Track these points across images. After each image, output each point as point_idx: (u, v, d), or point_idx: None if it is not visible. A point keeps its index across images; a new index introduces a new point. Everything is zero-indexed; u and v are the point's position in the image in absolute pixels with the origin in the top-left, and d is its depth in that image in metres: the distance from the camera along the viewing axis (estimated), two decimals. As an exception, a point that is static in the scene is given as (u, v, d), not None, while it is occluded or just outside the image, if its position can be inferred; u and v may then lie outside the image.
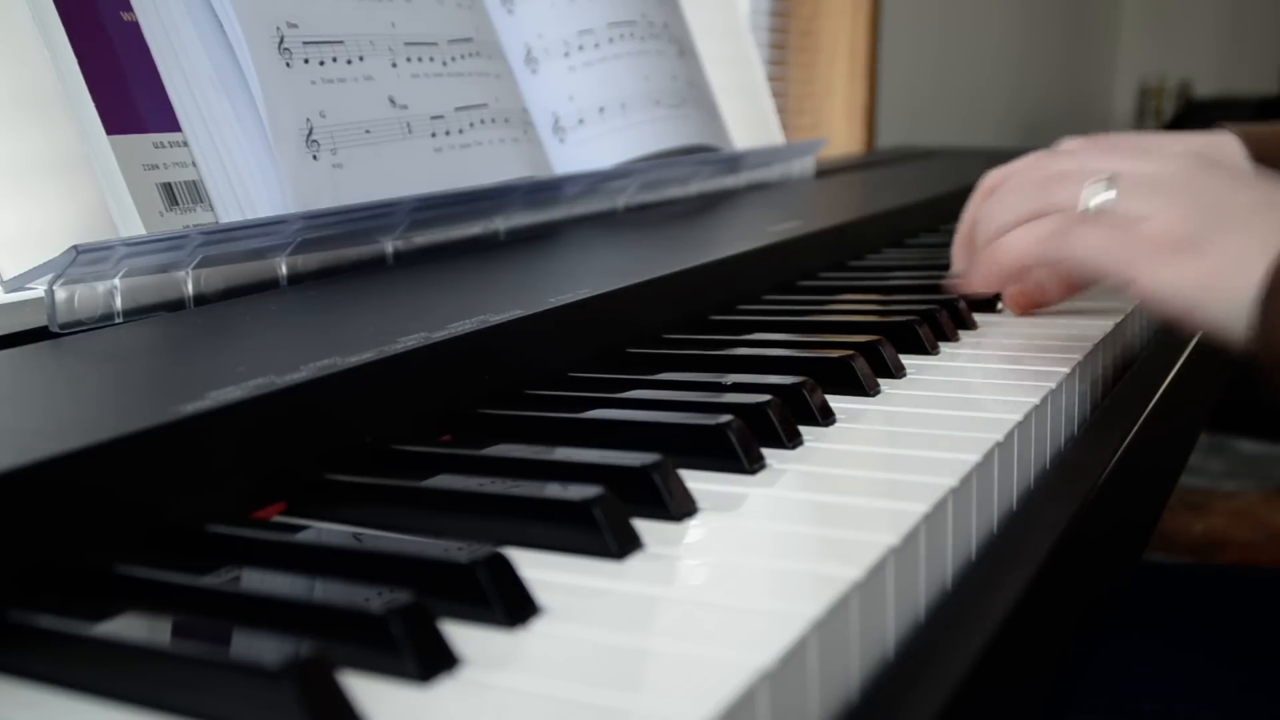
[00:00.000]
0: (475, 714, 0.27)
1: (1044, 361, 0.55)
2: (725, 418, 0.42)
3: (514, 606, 0.31)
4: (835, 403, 0.49)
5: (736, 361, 0.54)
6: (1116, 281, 0.48)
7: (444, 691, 0.27)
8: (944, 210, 1.05)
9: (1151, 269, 0.47)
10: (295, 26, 0.65)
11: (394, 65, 0.71)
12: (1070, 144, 0.57)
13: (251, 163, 0.62)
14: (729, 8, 1.18)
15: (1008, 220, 0.53)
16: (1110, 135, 0.66)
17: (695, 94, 0.99)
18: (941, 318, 0.62)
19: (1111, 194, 0.49)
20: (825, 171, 1.26)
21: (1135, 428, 0.53)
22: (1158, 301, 0.47)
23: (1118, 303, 0.67)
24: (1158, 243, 0.47)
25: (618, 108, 0.90)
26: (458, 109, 0.75)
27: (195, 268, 0.57)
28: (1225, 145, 0.64)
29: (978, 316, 0.66)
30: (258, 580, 0.32)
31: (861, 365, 0.52)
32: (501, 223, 0.77)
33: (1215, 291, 0.45)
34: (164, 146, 0.60)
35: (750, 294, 0.70)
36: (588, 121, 0.89)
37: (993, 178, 0.67)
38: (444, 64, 0.75)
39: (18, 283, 0.53)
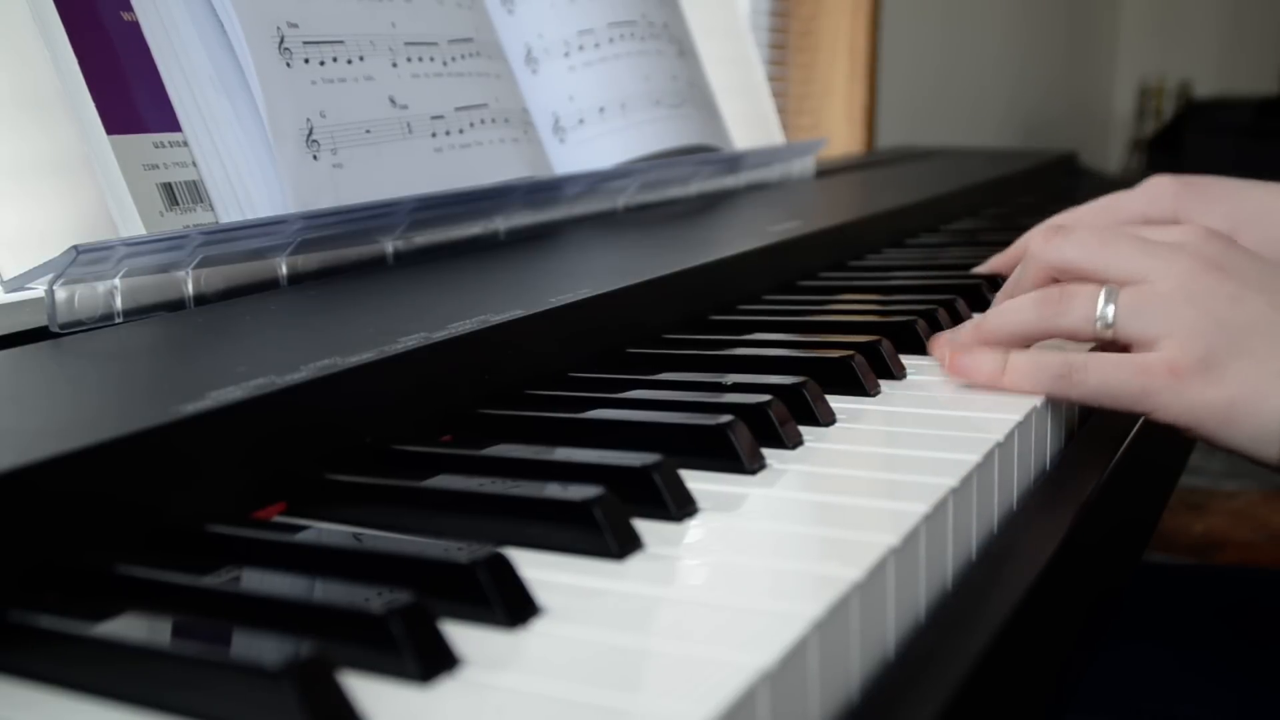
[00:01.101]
0: (475, 714, 0.27)
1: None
2: (726, 418, 0.42)
3: (514, 606, 0.31)
4: (835, 403, 0.49)
5: (736, 361, 0.54)
6: (1136, 411, 0.47)
7: (444, 691, 0.27)
8: (944, 210, 1.05)
9: (1169, 401, 0.46)
10: (295, 26, 0.65)
11: (394, 65, 0.71)
12: (1064, 229, 0.54)
13: (251, 163, 0.62)
14: (729, 8, 1.18)
15: (1012, 333, 0.52)
16: (1114, 206, 0.65)
17: (695, 94, 0.99)
18: (941, 318, 0.62)
19: (1111, 309, 0.48)
20: (825, 171, 1.26)
21: (1135, 428, 0.53)
22: (1180, 428, 0.47)
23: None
24: (1171, 372, 0.46)
25: (618, 108, 0.90)
26: (458, 109, 0.75)
27: (195, 268, 0.57)
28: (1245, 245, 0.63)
29: (977, 316, 0.66)
30: (258, 580, 0.32)
31: (861, 365, 0.52)
32: (501, 223, 0.77)
33: (1237, 418, 0.45)
34: (164, 146, 0.60)
35: (750, 294, 0.70)
36: (588, 121, 0.89)
37: (1067, 219, 0.67)
38: (444, 64, 0.75)
39: (18, 283, 0.53)
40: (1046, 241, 0.52)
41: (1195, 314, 0.46)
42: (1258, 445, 0.45)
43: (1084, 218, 0.66)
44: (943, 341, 0.54)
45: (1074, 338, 0.51)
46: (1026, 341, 0.52)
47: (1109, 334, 0.48)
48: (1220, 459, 2.33)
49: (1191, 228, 0.51)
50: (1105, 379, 0.47)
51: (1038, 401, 0.49)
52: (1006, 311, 0.52)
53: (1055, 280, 0.52)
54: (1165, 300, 0.47)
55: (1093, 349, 0.52)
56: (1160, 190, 0.64)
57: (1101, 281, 0.49)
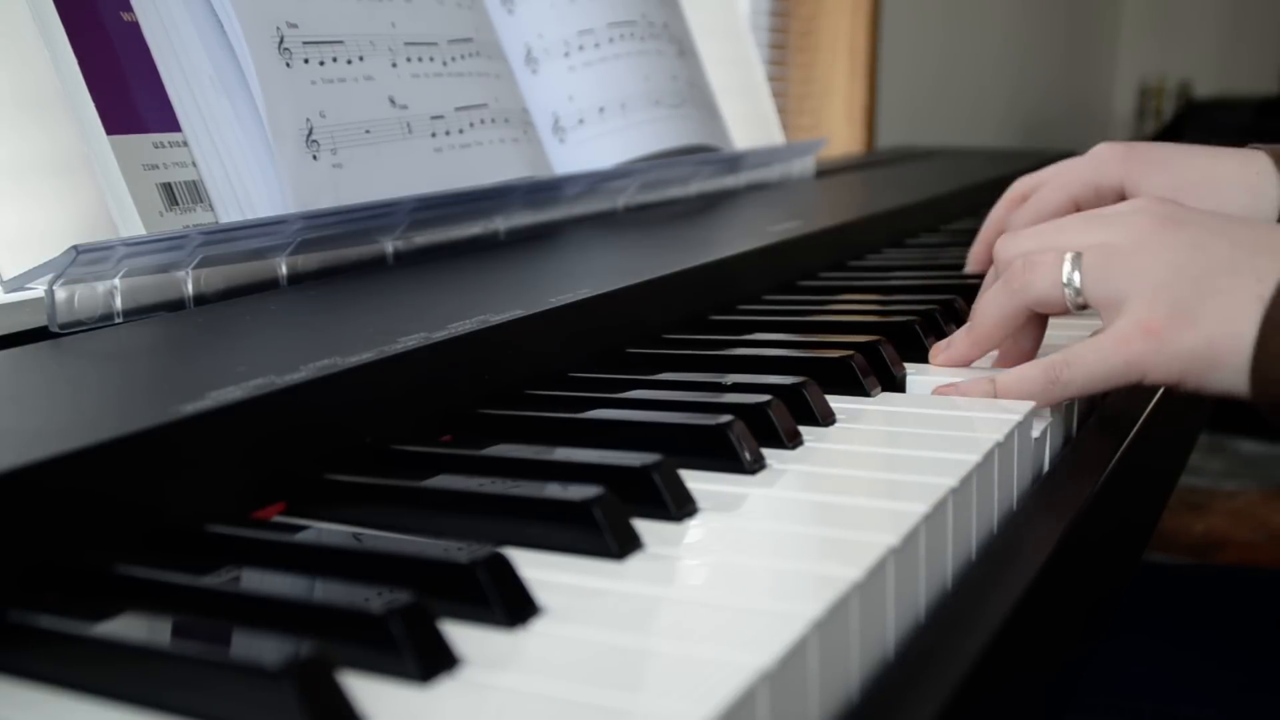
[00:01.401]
0: (475, 714, 0.27)
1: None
2: (726, 418, 0.42)
3: (514, 606, 0.31)
4: (835, 403, 0.49)
5: (736, 361, 0.54)
6: (1130, 383, 0.48)
7: (444, 692, 0.27)
8: (944, 210, 1.05)
9: (1153, 361, 0.46)
10: (295, 26, 0.65)
11: (394, 65, 0.71)
12: (1022, 209, 0.56)
13: (251, 163, 0.62)
14: (729, 8, 1.18)
15: (997, 322, 0.52)
16: (1065, 170, 0.66)
17: (695, 94, 0.99)
18: (941, 318, 0.62)
19: (1077, 275, 0.49)
20: (825, 171, 1.26)
21: (1135, 428, 0.53)
22: (1171, 383, 0.47)
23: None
24: (1147, 332, 0.46)
25: (618, 108, 0.90)
26: (458, 109, 0.75)
27: (195, 268, 0.57)
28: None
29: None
30: (258, 580, 0.32)
31: (861, 365, 0.52)
32: (501, 223, 0.77)
33: (1220, 356, 0.45)
34: (164, 146, 0.60)
35: (750, 294, 0.70)
36: (588, 121, 0.89)
37: (1022, 186, 0.69)
38: (444, 64, 0.75)
39: (18, 283, 0.53)
40: (1004, 246, 0.54)
41: (1158, 266, 0.47)
42: (1234, 383, 0.45)
43: (1038, 202, 0.66)
44: (941, 360, 0.55)
45: (1048, 308, 0.51)
46: (1013, 324, 0.53)
47: (1080, 300, 0.49)
48: (1220, 459, 2.33)
49: (1141, 199, 0.52)
50: (1089, 367, 0.47)
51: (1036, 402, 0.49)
52: (985, 305, 0.53)
53: None
54: (1126, 257, 0.48)
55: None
56: (1107, 156, 0.65)
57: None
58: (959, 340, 0.55)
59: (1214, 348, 0.45)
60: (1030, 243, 0.52)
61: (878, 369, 0.53)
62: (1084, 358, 0.48)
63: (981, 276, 0.71)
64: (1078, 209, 0.65)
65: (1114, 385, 0.48)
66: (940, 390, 0.51)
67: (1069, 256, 0.49)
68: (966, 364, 0.55)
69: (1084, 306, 0.49)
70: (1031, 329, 0.55)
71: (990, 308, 0.53)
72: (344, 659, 0.28)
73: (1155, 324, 0.46)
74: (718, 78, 1.06)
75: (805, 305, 0.68)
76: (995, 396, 0.49)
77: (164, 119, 0.60)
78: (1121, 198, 0.64)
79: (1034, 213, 0.66)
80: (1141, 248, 0.48)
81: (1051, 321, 0.56)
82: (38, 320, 0.52)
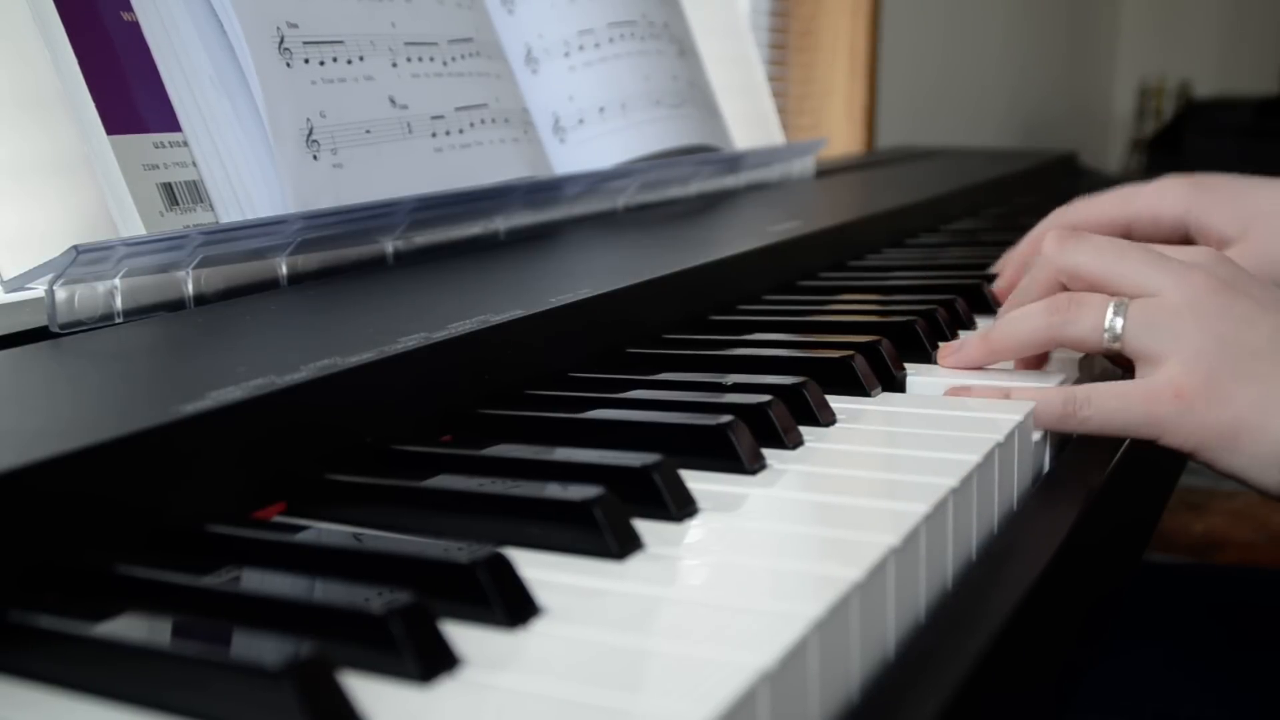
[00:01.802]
0: (475, 714, 0.27)
1: (1045, 361, 0.55)
2: (726, 418, 0.42)
3: (514, 607, 0.31)
4: (835, 403, 0.49)
5: (736, 361, 0.54)
6: (1144, 438, 0.47)
7: (444, 692, 0.27)
8: (944, 210, 1.05)
9: (1175, 425, 0.46)
10: (295, 26, 0.65)
11: (394, 65, 0.71)
12: (1077, 236, 0.53)
13: (252, 163, 0.62)
14: (729, 7, 1.18)
15: (1021, 343, 0.51)
16: (1127, 197, 0.64)
17: (696, 94, 0.99)
18: (941, 318, 0.62)
19: (1120, 322, 0.48)
20: (825, 171, 1.26)
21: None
22: (1184, 451, 0.47)
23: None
24: (1177, 396, 0.45)
25: (618, 108, 0.90)
26: (458, 109, 0.75)
27: (195, 268, 0.57)
28: (1255, 244, 0.61)
29: (977, 317, 0.66)
30: (258, 580, 0.32)
31: (861, 365, 0.52)
32: (501, 223, 0.77)
33: (1241, 442, 0.45)
34: (164, 146, 0.60)
35: (750, 294, 0.70)
36: (588, 121, 0.88)
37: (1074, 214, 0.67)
38: (444, 64, 0.75)
39: (18, 283, 0.53)
40: (1060, 245, 0.52)
41: (1203, 334, 0.46)
42: (1259, 471, 0.45)
43: (1096, 208, 0.65)
44: (950, 362, 0.54)
45: (1080, 348, 0.50)
46: (1034, 351, 0.52)
47: (1116, 346, 0.48)
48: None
49: (1205, 250, 0.51)
50: (1110, 413, 0.47)
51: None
52: (1015, 320, 0.51)
53: (1064, 287, 0.52)
54: (1174, 316, 0.47)
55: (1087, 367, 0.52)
56: (1170, 187, 0.64)
57: (1112, 292, 0.49)
58: (973, 344, 0.54)
59: (1237, 431, 0.45)
60: (1088, 259, 0.50)
61: (878, 369, 0.53)
62: (1107, 401, 0.47)
63: (984, 277, 0.71)
64: (1129, 235, 0.64)
65: (1128, 435, 0.47)
66: (953, 391, 0.50)
67: (1114, 304, 0.48)
68: (976, 368, 0.54)
69: (1116, 353, 0.49)
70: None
71: (1020, 328, 0.51)
72: (344, 659, 0.28)
73: (1187, 390, 0.45)
74: (718, 77, 1.06)
75: (805, 305, 0.68)
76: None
77: (164, 119, 0.60)
78: (1182, 234, 0.64)
79: (1085, 219, 0.65)
80: (1191, 310, 0.47)
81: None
82: (38, 320, 0.52)
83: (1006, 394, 0.49)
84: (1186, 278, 0.48)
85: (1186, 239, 0.65)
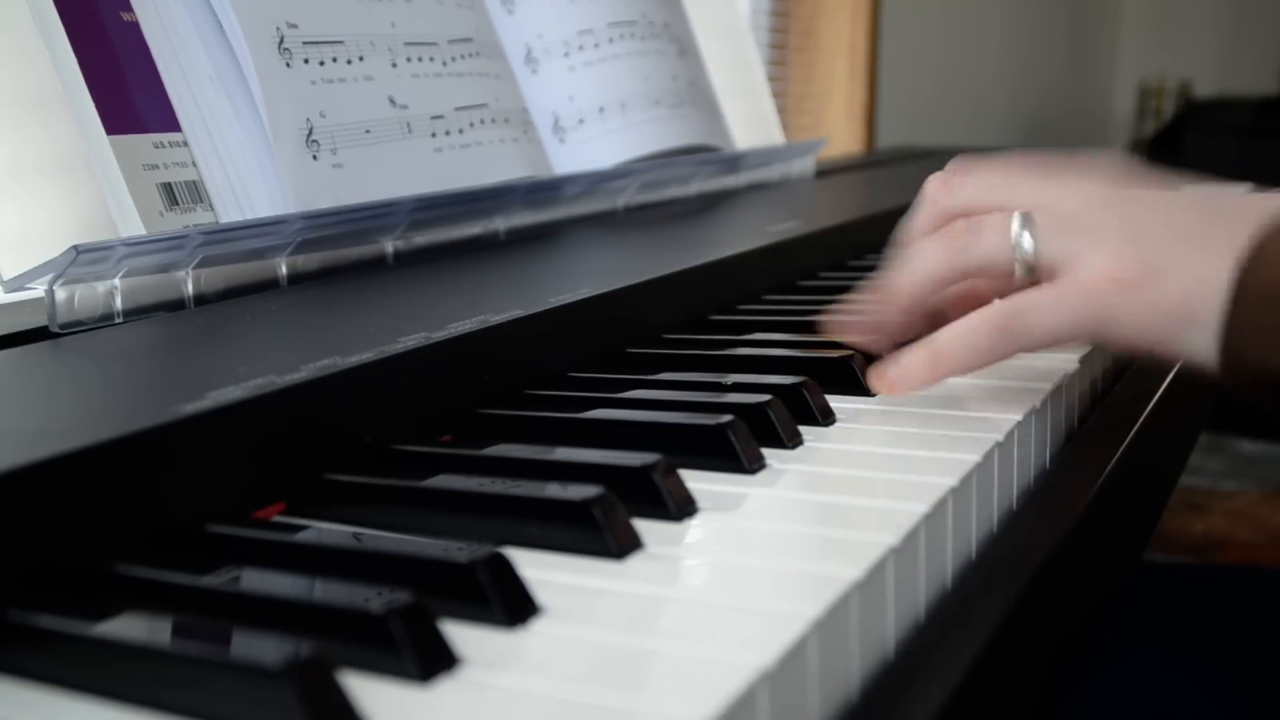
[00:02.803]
0: (475, 714, 0.27)
1: (1044, 361, 0.55)
2: (725, 418, 0.42)
3: (514, 606, 0.31)
4: (835, 403, 0.49)
5: (736, 361, 0.54)
6: (1092, 341, 0.44)
7: (444, 691, 0.27)
8: (944, 210, 1.05)
9: (1122, 315, 0.43)
10: (295, 26, 0.65)
11: (394, 65, 0.71)
12: (961, 171, 0.49)
13: (251, 163, 0.62)
14: (729, 8, 1.18)
15: (923, 280, 0.46)
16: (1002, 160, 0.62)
17: (696, 94, 0.99)
18: (941, 318, 0.62)
19: (1026, 235, 0.44)
20: (825, 171, 1.26)
21: (1135, 427, 0.53)
22: (1133, 344, 0.44)
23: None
24: (1117, 283, 0.42)
25: (618, 108, 0.90)
26: (458, 109, 0.75)
27: (195, 268, 0.57)
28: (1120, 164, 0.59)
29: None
30: (258, 580, 0.32)
31: (861, 365, 0.52)
32: (501, 223, 0.77)
33: (1194, 316, 0.42)
34: (164, 146, 0.60)
35: (750, 294, 0.70)
36: (588, 121, 0.89)
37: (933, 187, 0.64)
38: (444, 64, 0.75)
39: (18, 283, 0.53)
40: (944, 186, 0.48)
41: (1121, 221, 0.43)
42: (1200, 348, 0.42)
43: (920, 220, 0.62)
44: (875, 366, 0.48)
45: (988, 271, 0.46)
46: (940, 287, 0.47)
47: (1029, 258, 0.44)
48: (1220, 459, 2.33)
49: (1097, 159, 0.49)
50: (1052, 316, 0.43)
51: (1037, 401, 0.49)
52: (910, 261, 0.46)
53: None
54: (1083, 215, 0.44)
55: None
56: (964, 173, 0.60)
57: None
58: (873, 307, 0.48)
59: (1188, 305, 0.42)
60: (974, 192, 0.47)
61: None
62: (1044, 306, 0.43)
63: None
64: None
65: (1075, 338, 0.44)
66: (875, 382, 0.45)
67: (1017, 217, 0.45)
68: (882, 334, 0.49)
69: (1029, 268, 0.45)
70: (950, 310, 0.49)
71: (919, 266, 0.46)
72: (344, 659, 0.28)
73: (1127, 276, 0.42)
74: (718, 78, 1.06)
75: (805, 305, 0.68)
76: (940, 368, 0.44)
77: (164, 119, 0.60)
78: None
79: (919, 268, 0.61)
80: (1101, 205, 0.44)
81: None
82: (38, 320, 0.52)
83: (928, 345, 0.44)
84: (1082, 185, 0.46)
85: None
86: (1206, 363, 0.42)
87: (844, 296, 0.70)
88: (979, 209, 0.47)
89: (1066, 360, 0.56)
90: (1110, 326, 0.43)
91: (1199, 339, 0.42)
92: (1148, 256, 0.42)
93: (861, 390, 0.51)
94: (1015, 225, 0.45)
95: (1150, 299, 0.42)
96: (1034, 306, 0.43)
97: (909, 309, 0.48)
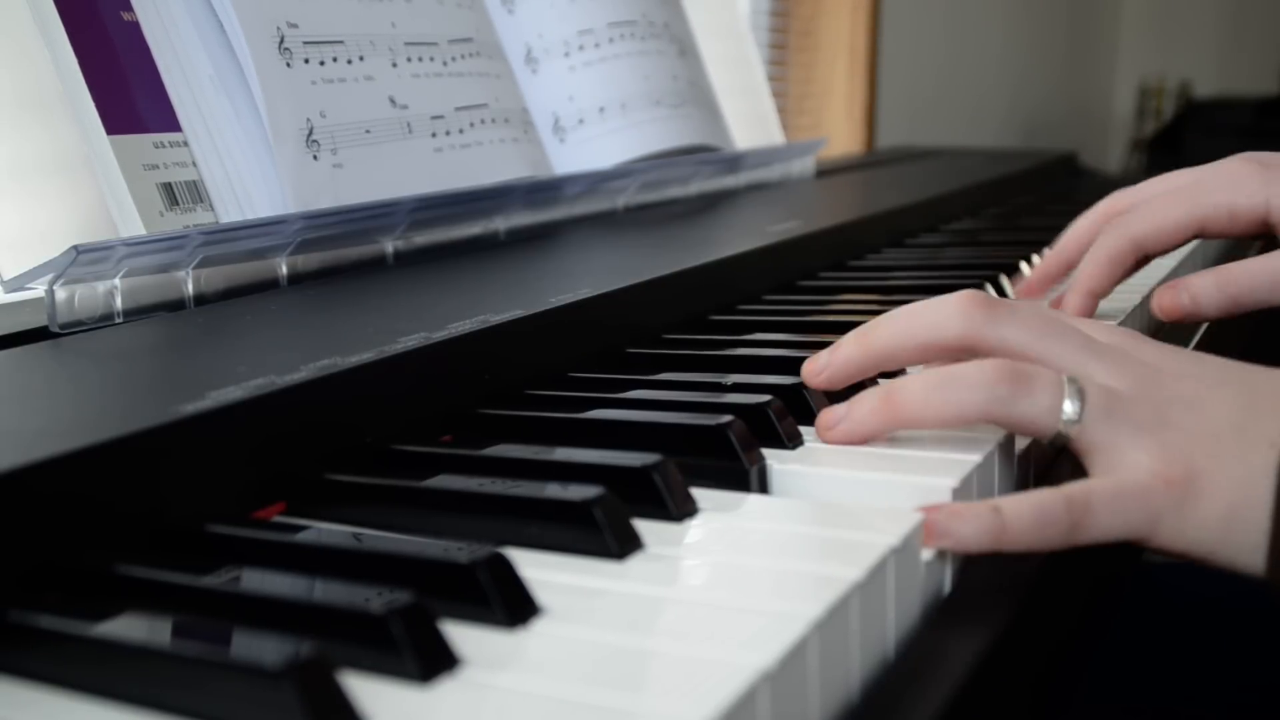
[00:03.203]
0: (475, 714, 0.27)
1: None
2: (725, 418, 0.42)
3: (514, 607, 0.31)
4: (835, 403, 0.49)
5: (737, 361, 0.54)
6: (1132, 542, 0.41)
7: (444, 692, 0.27)
8: (944, 210, 1.05)
9: (1172, 524, 0.40)
10: (295, 26, 0.65)
11: (394, 65, 0.71)
12: (1002, 305, 0.45)
13: (252, 163, 0.62)
14: (729, 8, 1.18)
15: (948, 415, 0.42)
16: (1197, 186, 0.58)
17: (696, 94, 0.99)
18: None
19: (1075, 405, 0.41)
20: (825, 171, 1.26)
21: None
22: (1174, 551, 0.41)
23: (1115, 304, 0.67)
24: (1167, 486, 0.40)
25: (618, 108, 0.90)
26: (458, 109, 0.75)
27: (195, 268, 0.57)
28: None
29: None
30: (258, 580, 0.32)
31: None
32: (501, 223, 0.77)
33: (1237, 527, 0.40)
34: (164, 146, 0.60)
35: (750, 294, 0.70)
36: (588, 121, 0.89)
37: (1121, 202, 0.61)
38: (444, 64, 0.75)
39: (18, 283, 0.53)
40: (985, 310, 0.44)
41: (1163, 421, 0.41)
42: (1250, 556, 0.40)
43: (1161, 215, 0.58)
44: (838, 434, 0.44)
45: (1027, 429, 0.42)
46: (962, 423, 0.43)
47: (1073, 431, 0.41)
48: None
49: (1121, 330, 0.46)
50: (1113, 516, 0.40)
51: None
52: (938, 387, 0.42)
53: (960, 359, 0.44)
54: (1131, 401, 0.42)
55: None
56: (1244, 175, 0.57)
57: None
58: (867, 409, 0.44)
59: (1232, 518, 0.40)
60: (1014, 333, 0.44)
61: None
62: (1107, 504, 0.40)
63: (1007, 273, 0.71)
64: (1202, 234, 0.59)
65: (1123, 539, 0.41)
66: (931, 531, 0.38)
67: (1069, 384, 0.42)
68: (868, 439, 0.44)
69: (1065, 440, 0.42)
70: None
71: (950, 397, 0.42)
72: (344, 659, 0.28)
73: (1176, 481, 0.40)
74: (718, 78, 1.06)
75: (805, 305, 0.68)
76: (1003, 542, 0.39)
77: (164, 119, 0.60)
78: (1264, 224, 0.57)
79: (1149, 226, 0.58)
80: (1144, 398, 0.42)
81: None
82: (38, 320, 0.52)
83: (998, 510, 0.38)
84: (1121, 363, 0.43)
85: (1267, 232, 0.58)
86: (1255, 572, 0.41)
87: (844, 296, 0.70)
88: (1017, 355, 0.44)
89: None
90: (1156, 533, 0.41)
91: (1244, 554, 0.40)
92: (1194, 461, 0.40)
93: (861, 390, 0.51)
94: (1068, 393, 0.41)
95: (1196, 512, 0.40)
96: (1098, 504, 0.40)
97: (907, 429, 0.45)
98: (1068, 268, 0.66)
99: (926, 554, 0.37)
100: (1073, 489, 0.40)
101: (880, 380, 0.50)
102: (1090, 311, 0.60)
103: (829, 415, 0.45)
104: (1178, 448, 0.41)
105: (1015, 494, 0.39)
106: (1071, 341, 0.44)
